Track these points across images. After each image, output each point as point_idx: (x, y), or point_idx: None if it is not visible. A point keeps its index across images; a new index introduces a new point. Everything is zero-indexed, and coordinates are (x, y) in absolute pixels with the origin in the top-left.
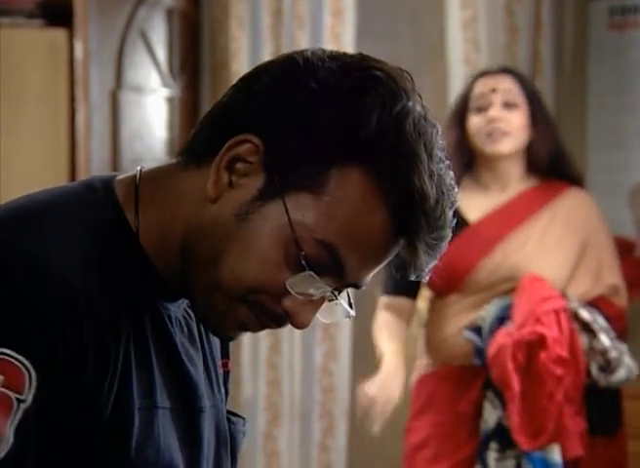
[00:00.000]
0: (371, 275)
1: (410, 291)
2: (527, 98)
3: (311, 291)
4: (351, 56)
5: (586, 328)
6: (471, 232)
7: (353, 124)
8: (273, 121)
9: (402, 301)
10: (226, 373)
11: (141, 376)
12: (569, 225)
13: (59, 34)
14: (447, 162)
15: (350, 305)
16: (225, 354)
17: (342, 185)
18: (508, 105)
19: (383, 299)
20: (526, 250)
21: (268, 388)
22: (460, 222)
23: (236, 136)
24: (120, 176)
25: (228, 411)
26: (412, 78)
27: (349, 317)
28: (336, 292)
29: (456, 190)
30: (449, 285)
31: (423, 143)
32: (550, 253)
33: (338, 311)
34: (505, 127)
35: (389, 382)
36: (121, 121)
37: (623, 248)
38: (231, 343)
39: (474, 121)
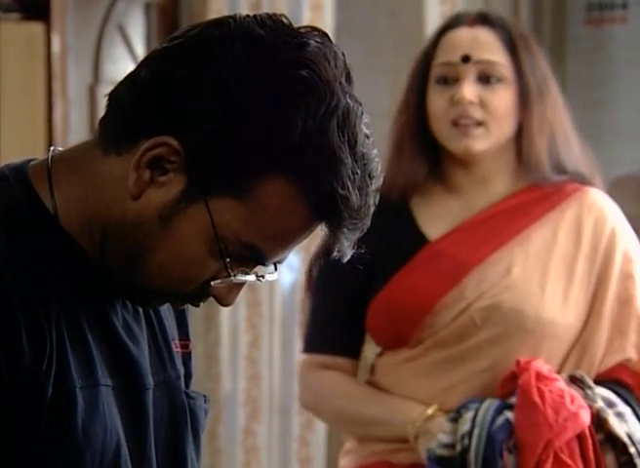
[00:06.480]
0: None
1: (352, 348)
2: (516, 68)
3: (235, 279)
4: (274, 39)
5: (613, 437)
6: (431, 255)
7: (278, 132)
8: (195, 123)
9: (341, 362)
10: (187, 355)
11: (79, 356)
12: (579, 244)
13: (36, 28)
14: (371, 140)
15: (275, 267)
16: (184, 334)
17: (267, 193)
18: (487, 79)
19: (318, 358)
20: (512, 278)
21: (248, 383)
22: (415, 239)
23: (155, 138)
24: (34, 161)
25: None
26: (336, 53)
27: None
28: (260, 277)
29: (379, 171)
30: (397, 333)
31: (347, 141)
32: (552, 286)
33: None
34: (480, 114)
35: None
36: (99, 115)
37: None
38: (211, 339)
39: (435, 100)
